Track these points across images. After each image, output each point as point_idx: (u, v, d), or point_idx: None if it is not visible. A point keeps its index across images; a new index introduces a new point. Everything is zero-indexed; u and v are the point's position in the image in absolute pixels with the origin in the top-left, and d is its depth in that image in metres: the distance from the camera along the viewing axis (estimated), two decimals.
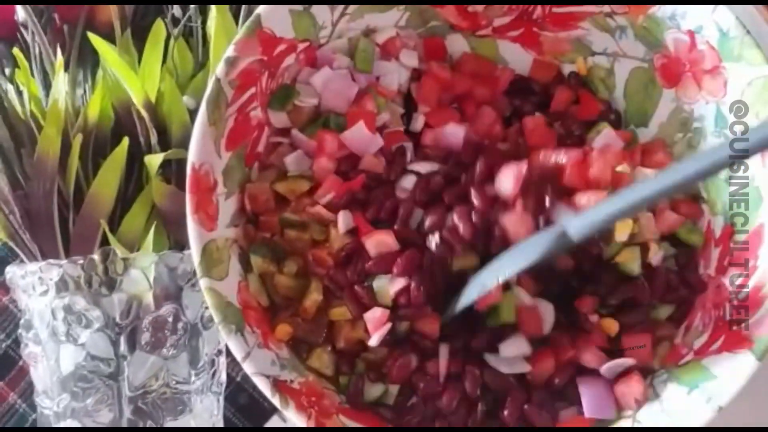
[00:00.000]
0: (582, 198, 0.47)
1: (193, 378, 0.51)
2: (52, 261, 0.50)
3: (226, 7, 0.54)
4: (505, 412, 0.47)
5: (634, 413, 0.46)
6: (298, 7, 0.47)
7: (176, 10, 0.56)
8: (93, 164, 0.54)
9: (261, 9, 0.46)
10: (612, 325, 0.48)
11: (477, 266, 0.47)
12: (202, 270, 0.43)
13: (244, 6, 0.55)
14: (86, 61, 0.57)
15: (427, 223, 0.47)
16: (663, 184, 0.39)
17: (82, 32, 0.56)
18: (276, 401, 0.43)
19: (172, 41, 0.55)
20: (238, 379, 0.60)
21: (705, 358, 0.46)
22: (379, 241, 0.47)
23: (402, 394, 0.48)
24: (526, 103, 0.55)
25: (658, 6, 0.48)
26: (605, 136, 0.51)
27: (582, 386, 0.47)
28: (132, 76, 0.53)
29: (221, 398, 0.55)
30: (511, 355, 0.48)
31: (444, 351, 0.48)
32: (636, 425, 0.45)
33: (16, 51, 0.56)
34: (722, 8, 0.46)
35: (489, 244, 0.47)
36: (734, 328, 0.45)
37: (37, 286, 0.50)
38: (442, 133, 0.51)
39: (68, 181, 0.52)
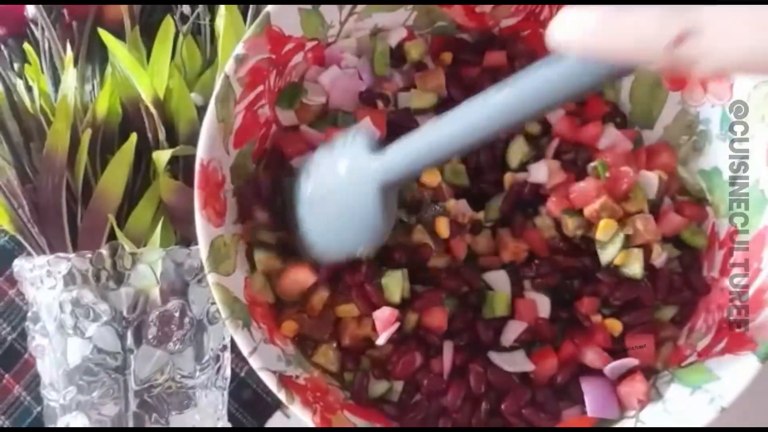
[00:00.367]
0: None
1: (198, 373, 0.52)
2: (60, 254, 0.50)
3: (235, 5, 0.55)
4: (503, 406, 0.47)
5: (637, 413, 0.46)
6: (307, 6, 0.48)
7: (185, 7, 0.57)
8: (101, 159, 0.54)
9: (270, 7, 0.46)
10: (616, 326, 0.48)
11: None
12: (210, 265, 0.44)
13: (252, 5, 0.55)
14: (95, 57, 0.57)
15: None
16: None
17: (91, 28, 0.56)
18: (282, 396, 0.43)
19: (180, 38, 0.55)
20: (242, 374, 0.60)
21: (708, 360, 0.46)
22: None
23: (406, 392, 0.49)
24: None
25: None
26: (611, 136, 0.52)
27: (585, 385, 0.48)
28: (141, 72, 0.53)
29: (226, 393, 0.55)
30: (512, 338, 0.48)
31: (448, 348, 0.48)
32: (639, 425, 0.46)
33: (26, 46, 0.56)
34: None
35: None
36: (737, 329, 0.45)
37: (45, 279, 0.50)
38: None
39: (77, 176, 0.52)
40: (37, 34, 0.57)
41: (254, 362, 0.43)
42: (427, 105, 0.52)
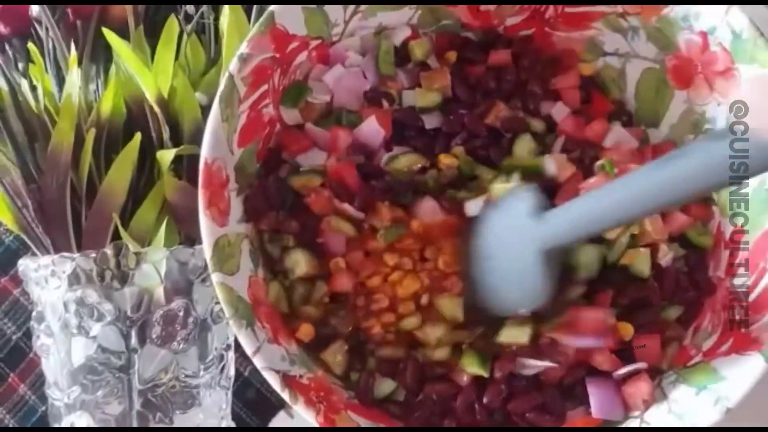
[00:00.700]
0: None
1: (202, 372, 0.52)
2: (65, 254, 0.50)
3: (239, 5, 0.54)
4: (509, 406, 0.47)
5: (642, 414, 0.46)
6: (311, 5, 0.48)
7: (189, 7, 0.57)
8: (105, 159, 0.54)
9: (274, 6, 0.46)
10: (627, 330, 0.48)
11: None
12: (214, 265, 0.44)
13: (256, 4, 0.55)
14: (99, 56, 0.58)
15: None
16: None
17: (95, 28, 0.56)
18: (285, 396, 0.43)
19: (184, 38, 0.55)
20: (246, 374, 0.60)
21: (714, 360, 0.46)
22: None
23: (411, 391, 0.49)
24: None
25: (671, 7, 0.48)
26: (617, 134, 0.52)
27: (591, 386, 0.47)
28: (145, 71, 0.53)
29: (230, 393, 0.55)
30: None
31: None
32: (644, 426, 0.45)
33: (30, 46, 0.56)
34: (735, 9, 0.46)
35: None
36: (743, 330, 0.45)
37: (50, 278, 0.50)
38: None
39: (81, 175, 0.52)
40: (42, 33, 0.57)
41: (258, 362, 0.43)
42: (432, 103, 0.52)
